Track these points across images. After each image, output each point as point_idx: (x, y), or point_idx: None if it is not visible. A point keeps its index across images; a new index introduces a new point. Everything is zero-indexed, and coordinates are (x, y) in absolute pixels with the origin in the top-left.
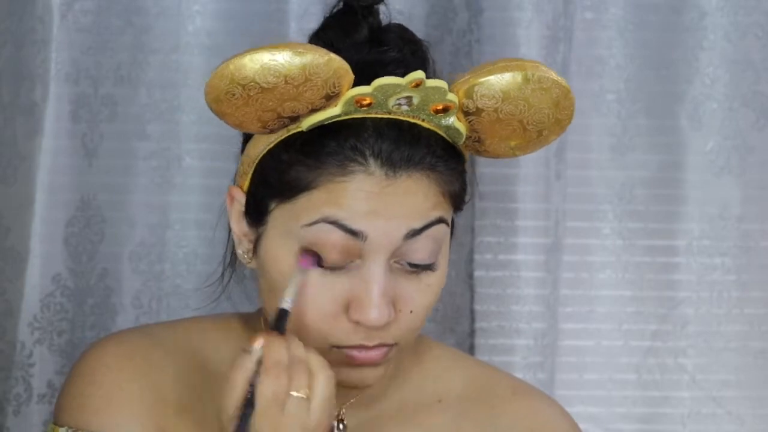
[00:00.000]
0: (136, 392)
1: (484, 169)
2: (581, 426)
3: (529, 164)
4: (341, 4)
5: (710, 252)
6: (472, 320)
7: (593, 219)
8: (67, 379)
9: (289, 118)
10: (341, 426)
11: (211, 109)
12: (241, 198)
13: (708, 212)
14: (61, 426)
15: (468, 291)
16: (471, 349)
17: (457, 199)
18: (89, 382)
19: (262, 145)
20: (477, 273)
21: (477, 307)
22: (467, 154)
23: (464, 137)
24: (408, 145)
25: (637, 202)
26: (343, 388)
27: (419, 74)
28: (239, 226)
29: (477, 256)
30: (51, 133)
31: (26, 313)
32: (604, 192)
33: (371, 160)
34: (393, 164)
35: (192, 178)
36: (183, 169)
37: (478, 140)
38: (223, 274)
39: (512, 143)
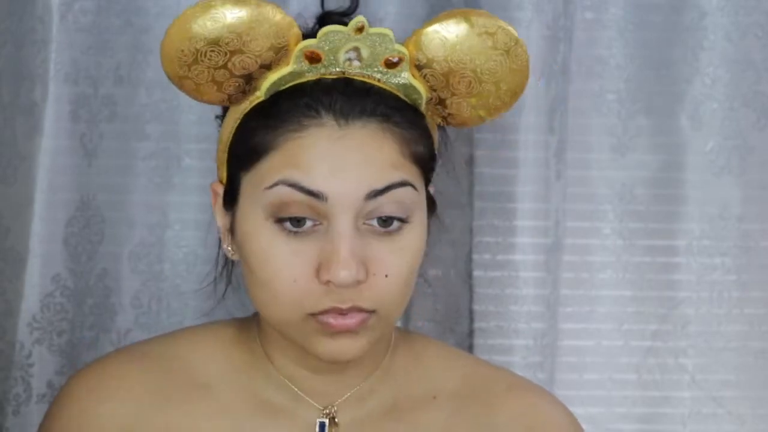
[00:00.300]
0: (118, 419)
1: (483, 169)
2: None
3: (529, 164)
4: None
5: (710, 252)
6: (471, 320)
7: (593, 219)
8: (49, 409)
9: (243, 78)
10: (334, 422)
11: (168, 76)
12: (220, 190)
13: (708, 212)
14: None
15: (467, 291)
16: (470, 349)
17: (425, 162)
18: (53, 414)
19: (230, 125)
20: (476, 273)
21: (476, 307)
22: (434, 122)
23: (424, 97)
24: (360, 97)
25: (638, 202)
26: (336, 384)
27: (360, 18)
28: (222, 220)
29: (476, 256)
30: (51, 133)
31: (26, 313)
32: (605, 192)
33: (323, 112)
34: (345, 114)
35: (191, 179)
36: (182, 169)
37: (440, 102)
38: (215, 279)
39: (473, 101)
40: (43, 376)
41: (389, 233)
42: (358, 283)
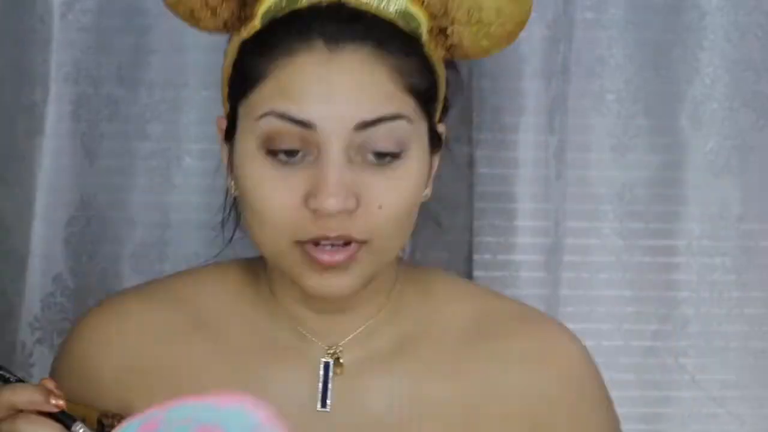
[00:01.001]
0: (98, 366)
1: (483, 169)
2: None
3: (529, 164)
4: None
5: (710, 252)
6: None
7: (593, 219)
8: (59, 349)
9: (235, 2)
10: (339, 363)
11: (165, 1)
12: (223, 124)
13: (708, 212)
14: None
15: None
16: None
17: (423, 93)
18: (65, 350)
19: (229, 56)
20: (476, 273)
21: None
22: (437, 57)
23: (424, 25)
24: (353, 22)
25: (638, 202)
26: (342, 324)
27: None
28: (224, 154)
29: (476, 257)
30: (51, 133)
31: (27, 313)
32: (605, 192)
33: (314, 36)
34: (335, 38)
35: (192, 178)
36: (183, 169)
37: (442, 32)
38: (223, 220)
39: (473, 29)
40: (44, 376)
41: (383, 166)
42: (347, 212)
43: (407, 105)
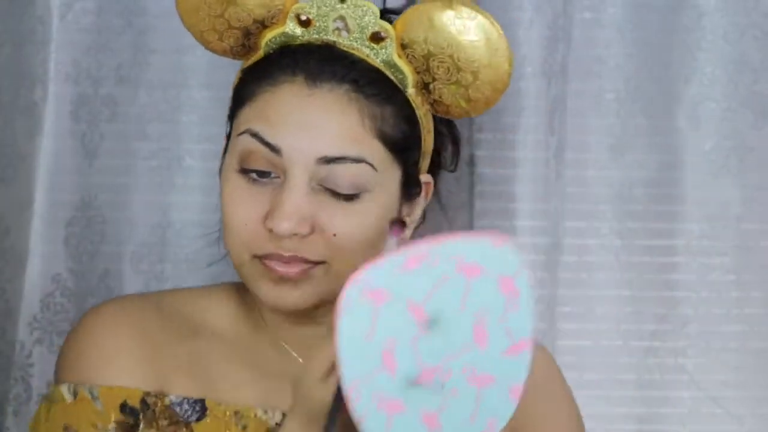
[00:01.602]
0: (134, 347)
1: (483, 169)
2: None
3: (528, 164)
4: None
5: (709, 252)
6: None
7: (592, 219)
8: (66, 342)
9: (240, 31)
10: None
11: (184, 23)
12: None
13: (707, 212)
14: (62, 384)
15: None
16: None
17: (394, 143)
18: (89, 342)
19: (234, 80)
20: None
21: None
22: (424, 110)
23: (410, 80)
24: (337, 63)
25: (636, 202)
26: (315, 338)
27: None
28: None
29: None
30: (51, 133)
31: (26, 313)
32: (603, 192)
33: (297, 71)
34: (315, 75)
35: (193, 179)
36: (184, 169)
37: (425, 86)
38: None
39: (452, 88)
40: (43, 376)
41: (343, 199)
42: (299, 236)
43: (374, 151)
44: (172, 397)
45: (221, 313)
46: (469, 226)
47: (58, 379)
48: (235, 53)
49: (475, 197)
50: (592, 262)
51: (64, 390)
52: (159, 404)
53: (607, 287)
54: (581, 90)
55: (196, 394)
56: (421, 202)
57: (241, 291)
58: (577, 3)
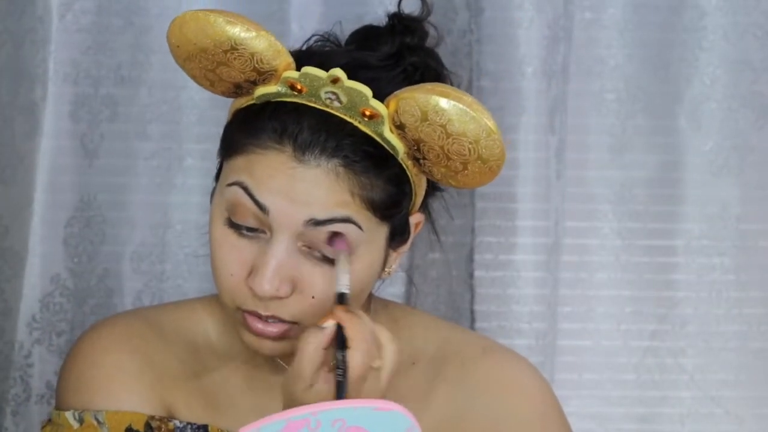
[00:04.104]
0: (136, 370)
1: None
2: (581, 426)
3: (529, 165)
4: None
5: (709, 252)
6: (473, 320)
7: (592, 219)
8: (65, 364)
9: (233, 84)
10: None
11: (175, 60)
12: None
13: (707, 212)
14: (66, 410)
15: (468, 291)
16: None
17: (382, 208)
18: (90, 364)
19: (229, 112)
20: (477, 273)
21: (477, 307)
22: (416, 171)
23: (402, 152)
24: (326, 135)
25: (637, 202)
26: None
27: (337, 71)
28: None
29: (477, 257)
30: (50, 133)
31: (25, 313)
32: (604, 192)
33: (285, 140)
34: (303, 148)
35: (193, 179)
36: (184, 169)
37: (415, 158)
38: None
39: (442, 170)
40: (42, 376)
41: (326, 261)
42: (279, 298)
43: (361, 215)
44: (176, 422)
45: (217, 328)
46: (471, 226)
47: (61, 404)
48: (227, 96)
49: (475, 197)
50: (592, 262)
51: (70, 417)
52: (163, 428)
53: (607, 287)
54: (581, 90)
55: (198, 418)
56: (408, 244)
57: None
58: (578, 3)
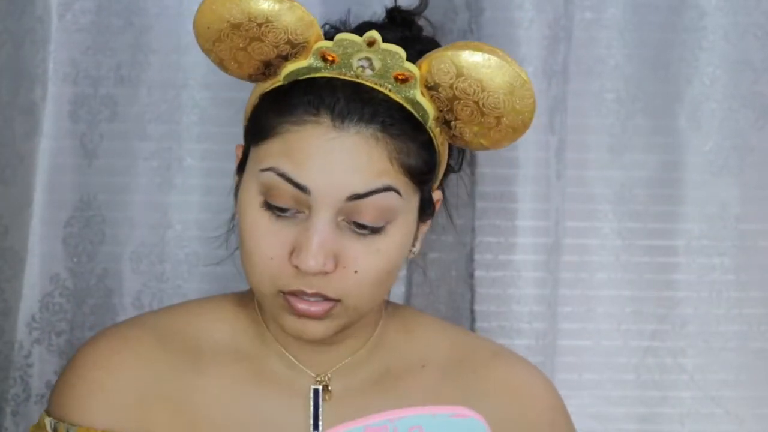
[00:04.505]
0: (120, 389)
1: (483, 169)
2: (581, 426)
3: (529, 164)
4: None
5: (709, 252)
6: (473, 320)
7: (592, 219)
8: (61, 372)
9: (262, 63)
10: (327, 390)
11: (200, 46)
12: (239, 153)
13: (707, 212)
14: (48, 416)
15: (468, 291)
16: None
17: (418, 174)
18: (75, 377)
19: (252, 99)
20: (477, 273)
21: (477, 307)
22: (441, 140)
23: (431, 116)
24: (362, 103)
25: (637, 202)
26: (329, 354)
27: (374, 33)
28: (236, 181)
29: (477, 256)
30: (50, 133)
31: (24, 313)
32: (604, 192)
33: (323, 111)
34: (342, 117)
35: (193, 179)
36: (184, 169)
37: (446, 122)
38: (228, 231)
39: (474, 128)
40: (42, 376)
41: (365, 235)
42: (325, 273)
43: (400, 181)
44: None
45: (222, 329)
46: (471, 226)
47: (48, 407)
48: (253, 79)
49: (476, 197)
50: (592, 262)
51: (48, 423)
52: None
53: (607, 287)
54: (581, 90)
55: None
56: (431, 220)
57: (240, 303)
58: (578, 3)
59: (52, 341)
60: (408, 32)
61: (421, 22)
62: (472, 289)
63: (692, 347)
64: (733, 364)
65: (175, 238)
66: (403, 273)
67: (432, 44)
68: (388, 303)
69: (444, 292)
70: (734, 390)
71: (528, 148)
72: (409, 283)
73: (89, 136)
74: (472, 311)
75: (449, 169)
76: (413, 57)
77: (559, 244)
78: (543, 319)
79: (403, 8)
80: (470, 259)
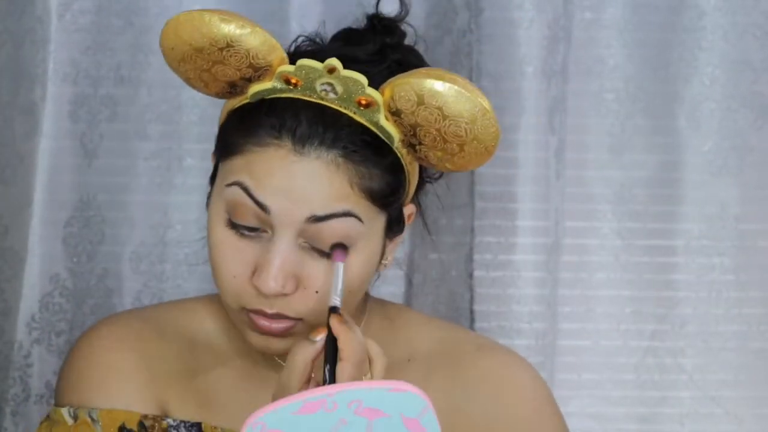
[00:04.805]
0: (132, 369)
1: (483, 169)
2: (581, 426)
3: (529, 164)
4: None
5: (709, 252)
6: (472, 320)
7: (592, 219)
8: (65, 363)
9: (228, 84)
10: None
11: (167, 64)
12: (213, 161)
13: (706, 212)
14: (62, 406)
15: (468, 291)
16: None
17: (381, 198)
18: (87, 363)
19: (223, 113)
20: (477, 273)
21: (477, 307)
22: (410, 159)
23: (396, 139)
24: (324, 126)
25: (636, 202)
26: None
27: (333, 61)
28: (207, 191)
29: (477, 256)
30: (50, 133)
31: (24, 313)
32: (603, 192)
33: (284, 134)
34: (303, 141)
35: (193, 179)
36: (184, 169)
37: (411, 145)
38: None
39: (438, 153)
40: (41, 376)
41: (327, 256)
42: (284, 295)
43: (361, 206)
44: (170, 421)
45: (215, 326)
46: (470, 226)
47: (59, 400)
48: (220, 97)
49: (475, 197)
50: (591, 262)
51: (65, 413)
52: (156, 427)
53: (606, 287)
54: (581, 90)
55: (192, 416)
56: (403, 234)
57: None
58: (578, 3)
59: (51, 341)
60: (389, 39)
61: (407, 28)
62: (471, 289)
63: (692, 347)
64: (732, 364)
65: (175, 238)
66: (403, 273)
67: (411, 54)
68: (371, 299)
69: (444, 292)
70: (734, 390)
71: (528, 148)
72: (409, 283)
73: (89, 136)
74: (471, 311)
75: (423, 182)
76: (391, 67)
77: (558, 244)
78: (543, 319)
79: (383, 15)
80: (470, 259)
